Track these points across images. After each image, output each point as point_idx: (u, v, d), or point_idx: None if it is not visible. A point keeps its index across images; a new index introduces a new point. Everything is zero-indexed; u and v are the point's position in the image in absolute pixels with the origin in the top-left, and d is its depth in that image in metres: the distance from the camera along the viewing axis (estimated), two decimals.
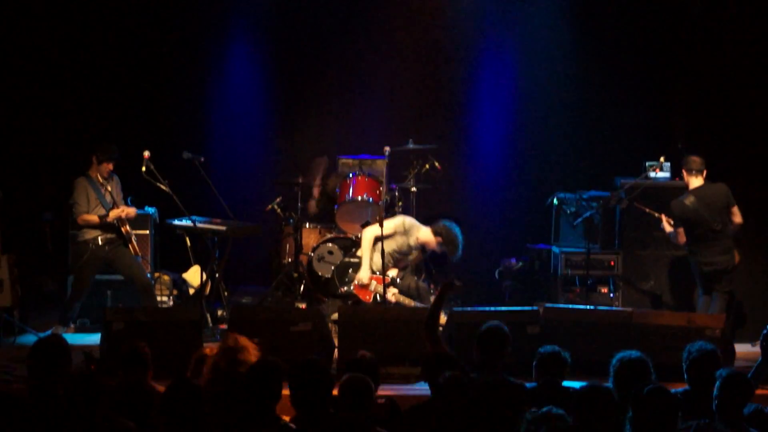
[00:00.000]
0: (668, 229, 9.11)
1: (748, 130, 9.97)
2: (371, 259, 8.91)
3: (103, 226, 9.00)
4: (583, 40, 11.08)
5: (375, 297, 8.73)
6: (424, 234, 9.12)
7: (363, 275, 8.83)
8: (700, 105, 10.37)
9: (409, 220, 9.21)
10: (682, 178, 9.17)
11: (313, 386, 4.83)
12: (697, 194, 8.89)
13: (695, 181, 8.96)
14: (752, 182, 9.62)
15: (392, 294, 8.78)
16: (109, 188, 9.04)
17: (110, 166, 9.06)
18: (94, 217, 8.98)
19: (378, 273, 8.83)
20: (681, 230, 8.97)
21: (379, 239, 8.83)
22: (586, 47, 11.08)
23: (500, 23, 11.44)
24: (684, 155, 9.12)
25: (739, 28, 10.11)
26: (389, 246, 8.92)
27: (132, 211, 9.16)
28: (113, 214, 8.97)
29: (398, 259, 9.17)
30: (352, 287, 8.85)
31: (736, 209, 8.90)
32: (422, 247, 9.20)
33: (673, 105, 10.65)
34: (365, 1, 11.44)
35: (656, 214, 9.25)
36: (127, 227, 9.08)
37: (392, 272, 8.93)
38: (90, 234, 9.03)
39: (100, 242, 9.02)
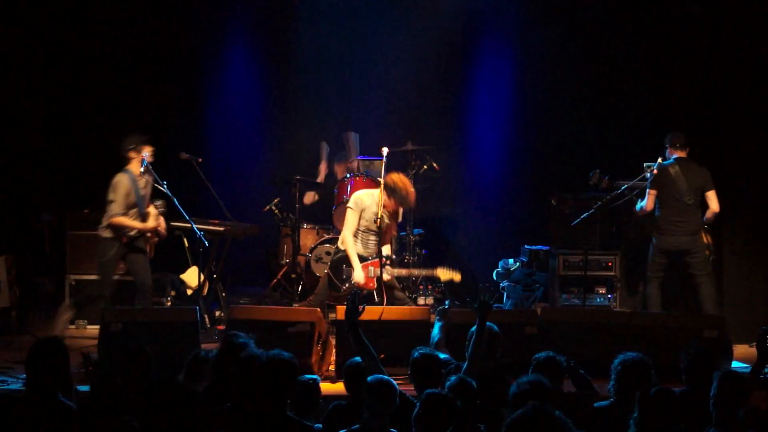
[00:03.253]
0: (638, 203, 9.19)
1: (748, 130, 9.96)
2: (355, 252, 8.71)
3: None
4: (582, 41, 11.08)
5: (377, 281, 8.59)
6: (378, 196, 8.66)
7: (357, 275, 8.66)
8: (698, 105, 10.36)
9: (357, 194, 8.85)
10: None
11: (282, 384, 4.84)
12: (680, 164, 9.02)
13: (679, 154, 9.09)
14: (750, 182, 9.62)
15: (387, 274, 8.65)
16: (143, 185, 8.69)
17: (149, 148, 8.63)
18: (127, 222, 8.56)
19: (371, 259, 8.68)
20: (651, 193, 9.01)
21: (355, 232, 8.69)
22: (585, 48, 11.08)
23: (498, 24, 11.45)
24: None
25: (739, 28, 10.10)
26: (363, 226, 8.69)
27: (163, 225, 8.83)
28: (146, 227, 8.65)
29: (376, 233, 8.65)
30: (353, 282, 8.71)
31: (713, 194, 9.00)
32: (392, 213, 8.85)
33: (671, 106, 10.64)
34: (364, 2, 11.45)
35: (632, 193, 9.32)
36: (154, 238, 8.81)
37: (385, 249, 8.73)
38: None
39: (125, 240, 8.69)
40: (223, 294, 9.99)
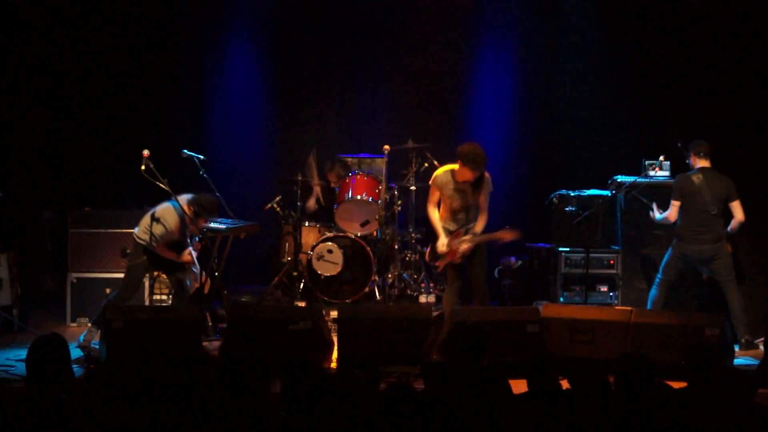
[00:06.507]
0: (657, 213, 9.10)
1: (749, 129, 9.96)
2: (439, 223, 8.51)
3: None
4: (583, 40, 11.08)
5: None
6: (454, 173, 8.47)
7: (440, 242, 8.46)
8: (699, 103, 10.36)
9: (435, 173, 8.62)
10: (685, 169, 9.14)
11: (306, 386, 4.76)
12: (705, 174, 8.84)
13: (703, 163, 8.91)
14: (752, 182, 9.61)
15: (466, 244, 8.46)
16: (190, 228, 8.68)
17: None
18: (164, 252, 8.53)
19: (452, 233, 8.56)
20: (675, 204, 8.87)
21: (437, 207, 8.54)
22: (585, 47, 11.09)
23: (500, 23, 11.45)
24: (687, 147, 9.10)
25: (739, 27, 10.10)
26: (447, 204, 8.51)
27: (189, 259, 8.77)
28: (182, 259, 8.63)
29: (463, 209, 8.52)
30: (438, 251, 8.58)
31: (738, 204, 8.82)
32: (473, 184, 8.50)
33: (672, 104, 10.64)
34: (365, 1, 11.44)
35: (647, 203, 9.27)
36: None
37: (479, 224, 8.60)
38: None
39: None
40: (225, 292, 9.98)
